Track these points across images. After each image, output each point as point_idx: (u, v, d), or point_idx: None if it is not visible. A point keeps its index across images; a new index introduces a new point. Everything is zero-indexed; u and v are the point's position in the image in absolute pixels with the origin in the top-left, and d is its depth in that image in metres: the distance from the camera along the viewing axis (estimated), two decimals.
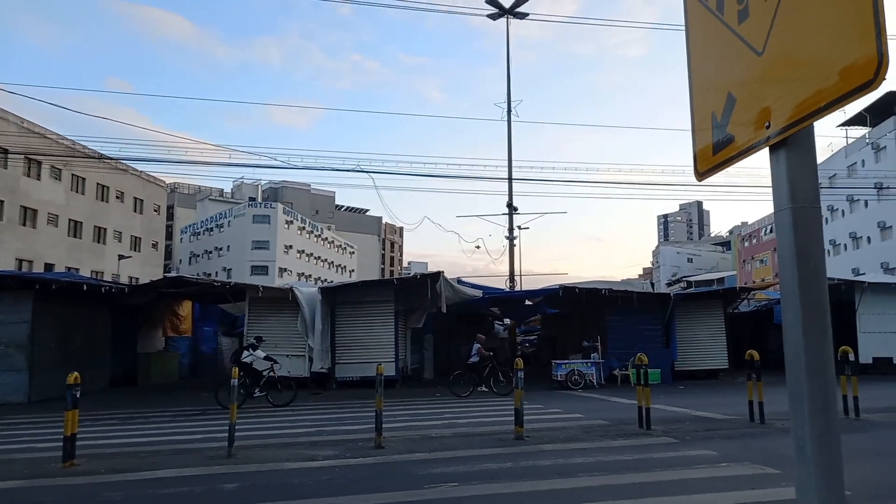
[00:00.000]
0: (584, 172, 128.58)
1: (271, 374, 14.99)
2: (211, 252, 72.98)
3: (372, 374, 9.50)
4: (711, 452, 7.83)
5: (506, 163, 27.48)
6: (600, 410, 12.75)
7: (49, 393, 15.67)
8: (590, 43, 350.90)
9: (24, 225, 40.74)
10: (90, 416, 12.35)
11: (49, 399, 15.42)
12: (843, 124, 49.67)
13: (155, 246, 56.74)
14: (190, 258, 75.54)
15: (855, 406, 10.67)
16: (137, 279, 45.92)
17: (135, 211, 52.84)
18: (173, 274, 25.30)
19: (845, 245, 50.36)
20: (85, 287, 17.35)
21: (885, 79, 1.20)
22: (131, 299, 20.07)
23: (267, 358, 15.11)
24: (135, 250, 52.17)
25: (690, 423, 10.52)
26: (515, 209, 27.69)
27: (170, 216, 72.47)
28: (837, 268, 45.46)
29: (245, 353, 15.10)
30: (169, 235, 72.10)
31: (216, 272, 67.06)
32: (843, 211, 50.62)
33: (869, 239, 46.82)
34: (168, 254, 72.20)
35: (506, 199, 27.49)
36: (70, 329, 17.49)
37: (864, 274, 29.06)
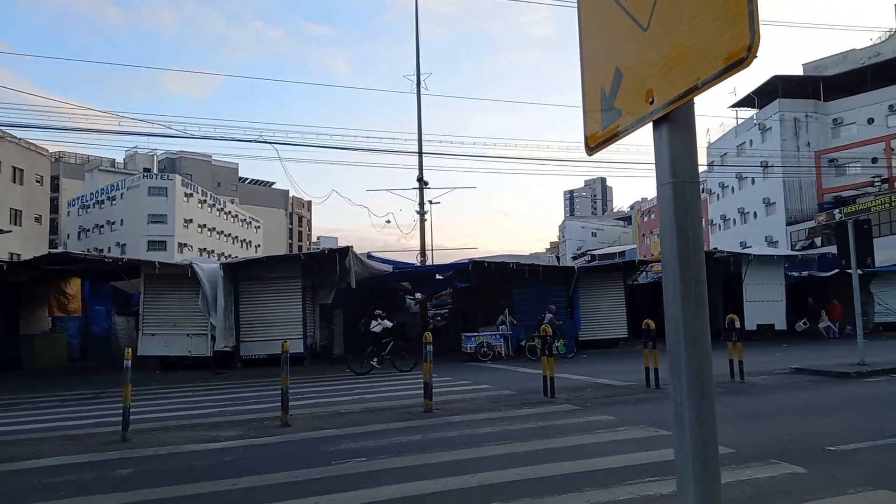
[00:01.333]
0: (492, 148, 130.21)
1: (397, 341, 16.23)
2: (102, 226, 68.40)
3: (279, 352, 9.29)
4: (610, 417, 8.24)
5: (416, 137, 27.34)
6: (508, 381, 13.10)
7: None
8: (499, 21, 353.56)
9: None
10: None
11: None
12: (734, 105, 52.68)
13: (38, 220, 52.54)
14: (79, 233, 70.60)
15: (740, 370, 11.55)
16: (19, 255, 42.45)
17: (13, 181, 48.55)
18: (59, 250, 23.58)
19: (734, 220, 53.80)
20: None
21: (756, 56, 1.24)
22: (12, 277, 18.59)
23: (393, 328, 16.48)
24: (15, 224, 48.07)
25: (592, 391, 11.00)
26: (426, 183, 27.71)
27: (55, 188, 67.12)
28: (727, 241, 48.58)
29: (373, 322, 16.06)
30: (55, 208, 66.94)
31: (109, 248, 63.06)
32: (732, 188, 53.97)
33: (755, 214, 50.17)
34: (54, 228, 67.16)
35: (416, 173, 27.45)
36: None
37: (750, 247, 31.20)
